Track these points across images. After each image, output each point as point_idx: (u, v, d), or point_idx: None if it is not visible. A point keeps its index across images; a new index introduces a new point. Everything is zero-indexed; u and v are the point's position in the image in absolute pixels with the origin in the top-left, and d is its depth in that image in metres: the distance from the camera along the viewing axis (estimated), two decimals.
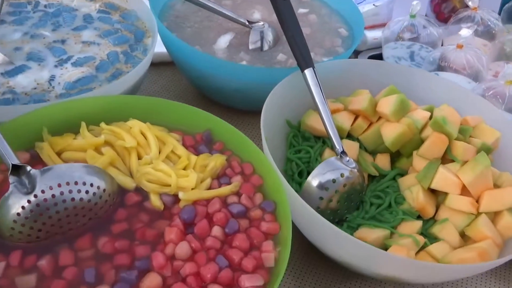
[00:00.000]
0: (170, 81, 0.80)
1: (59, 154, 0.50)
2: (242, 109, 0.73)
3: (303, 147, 0.60)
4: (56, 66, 0.62)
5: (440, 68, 0.79)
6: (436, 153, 0.57)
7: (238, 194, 0.49)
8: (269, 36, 0.73)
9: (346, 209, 0.55)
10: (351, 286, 0.56)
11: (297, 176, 0.58)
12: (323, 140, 0.61)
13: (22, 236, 0.42)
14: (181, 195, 0.47)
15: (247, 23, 0.73)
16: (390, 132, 0.59)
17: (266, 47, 0.72)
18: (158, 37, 0.66)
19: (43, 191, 0.43)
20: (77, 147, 0.51)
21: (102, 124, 0.53)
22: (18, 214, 0.42)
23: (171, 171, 0.47)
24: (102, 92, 0.57)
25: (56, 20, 0.70)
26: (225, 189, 0.48)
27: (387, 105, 0.59)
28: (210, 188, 0.49)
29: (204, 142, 0.54)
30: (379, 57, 0.87)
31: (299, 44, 0.61)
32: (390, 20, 0.91)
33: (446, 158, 0.57)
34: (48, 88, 0.59)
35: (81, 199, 0.44)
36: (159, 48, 0.70)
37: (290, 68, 0.64)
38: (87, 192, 0.45)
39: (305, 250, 0.58)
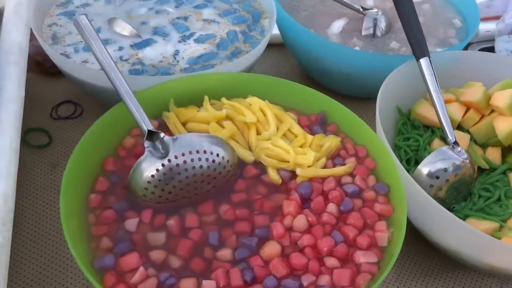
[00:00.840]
0: (278, 61, 0.83)
1: (183, 124, 0.54)
2: (348, 94, 0.74)
3: (412, 135, 0.60)
4: (179, 41, 0.66)
5: None
6: None
7: (352, 175, 0.50)
8: (382, 23, 0.73)
9: (454, 199, 0.56)
10: (452, 276, 0.56)
11: (405, 163, 0.59)
12: (432, 130, 0.61)
13: (153, 197, 0.46)
14: (299, 171, 0.49)
15: (361, 10, 0.74)
16: (504, 126, 0.58)
17: (378, 34, 0.72)
18: None
19: (176, 157, 0.46)
20: (201, 119, 0.54)
21: (223, 99, 0.56)
22: (152, 176, 0.46)
23: (290, 148, 0.50)
24: (222, 69, 0.60)
25: None
26: (339, 169, 0.50)
27: (502, 98, 0.59)
28: (325, 167, 0.51)
29: (318, 123, 0.56)
30: (491, 50, 0.85)
31: (415, 33, 0.61)
32: (505, 12, 0.89)
33: None
34: (173, 62, 0.63)
35: (207, 167, 0.47)
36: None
37: (404, 55, 0.65)
38: (213, 161, 0.48)
39: (407, 235, 0.58)
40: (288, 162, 0.50)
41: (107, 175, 0.49)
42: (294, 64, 0.82)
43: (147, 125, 0.48)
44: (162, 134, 0.48)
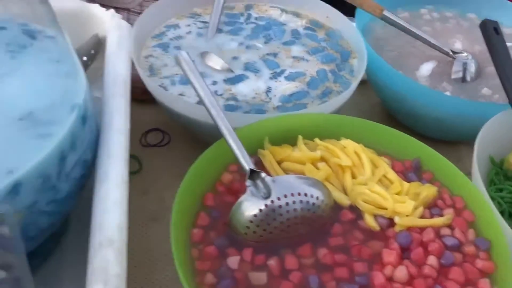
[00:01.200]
0: (359, 98, 0.83)
1: (278, 162, 0.55)
2: (433, 136, 0.73)
3: (506, 187, 0.59)
4: (271, 78, 0.67)
5: None
6: None
7: (450, 227, 0.50)
8: (472, 68, 0.73)
9: None
10: None
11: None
12: None
13: (254, 236, 0.47)
14: (397, 219, 0.49)
15: (450, 53, 0.74)
16: None
17: (468, 79, 0.72)
18: None
19: (278, 198, 0.47)
20: (295, 159, 0.55)
21: (317, 140, 0.57)
22: (255, 215, 0.47)
23: (388, 195, 0.50)
24: (314, 109, 0.61)
25: (267, 33, 0.76)
26: (438, 220, 0.50)
27: None
28: (422, 217, 0.51)
29: (413, 170, 0.56)
30: None
31: (511, 79, 0.61)
32: None
33: None
34: (266, 99, 0.64)
35: (306, 209, 0.48)
36: None
37: (498, 104, 0.64)
38: (312, 203, 0.48)
39: None
40: (386, 209, 0.50)
41: (207, 210, 0.50)
42: (375, 102, 0.82)
43: (248, 164, 0.49)
44: (263, 174, 0.49)
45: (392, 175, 0.53)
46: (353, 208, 0.51)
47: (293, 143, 0.57)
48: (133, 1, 1.02)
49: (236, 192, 0.52)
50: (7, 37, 0.49)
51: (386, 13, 0.73)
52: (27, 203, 0.40)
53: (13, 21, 0.54)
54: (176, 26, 0.75)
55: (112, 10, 0.66)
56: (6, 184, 0.37)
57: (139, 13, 1.01)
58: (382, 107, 0.81)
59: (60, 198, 0.44)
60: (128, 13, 1.04)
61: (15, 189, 0.38)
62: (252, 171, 0.49)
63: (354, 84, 0.63)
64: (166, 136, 0.74)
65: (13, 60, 0.47)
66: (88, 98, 0.49)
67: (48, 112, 0.43)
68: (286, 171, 0.54)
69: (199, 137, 0.67)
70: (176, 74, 0.66)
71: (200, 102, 0.60)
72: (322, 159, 0.55)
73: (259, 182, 0.49)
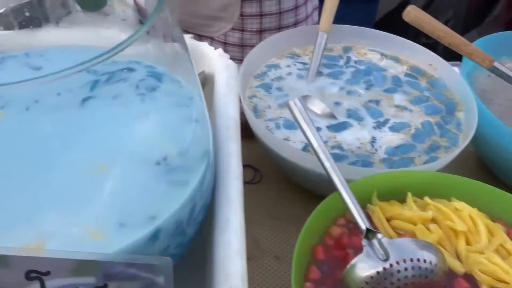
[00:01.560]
0: None
1: (387, 219, 0.54)
2: None
3: None
4: (374, 127, 0.66)
5: None
6: None
7: None
8: None
9: None
10: None
11: None
12: None
13: None
14: None
15: None
16: None
17: None
18: None
19: (397, 262, 0.46)
20: (406, 218, 0.54)
21: (427, 199, 0.55)
22: (372, 277, 0.46)
23: (509, 268, 0.48)
24: (422, 166, 0.59)
25: (368, 79, 0.75)
26: None
27: None
28: None
29: None
30: None
31: None
32: None
33: None
34: (371, 149, 0.63)
35: (420, 274, 0.47)
36: None
37: None
38: (426, 268, 0.47)
39: None
40: (507, 283, 0.48)
41: (318, 264, 0.49)
42: (470, 154, 0.80)
43: (365, 223, 0.48)
44: (380, 235, 0.48)
45: (510, 245, 0.51)
46: (468, 277, 0.49)
47: (400, 198, 0.56)
48: (218, 30, 1.04)
49: (345, 246, 0.51)
50: (136, 79, 0.51)
51: (496, 64, 0.71)
52: (161, 248, 0.40)
53: (140, 63, 0.55)
54: (276, 66, 0.76)
55: (220, 50, 0.67)
56: (149, 230, 0.38)
57: (224, 43, 1.03)
58: (477, 161, 0.79)
59: (185, 241, 0.45)
60: (212, 41, 1.06)
61: (155, 235, 0.39)
62: (368, 230, 0.48)
63: (464, 142, 0.62)
64: (257, 173, 0.74)
65: (144, 103, 0.48)
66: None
67: (182, 158, 0.44)
68: (396, 230, 0.53)
69: (296, 179, 0.67)
70: (280, 117, 0.67)
71: (306, 149, 0.60)
72: (434, 220, 0.54)
73: (375, 242, 0.48)
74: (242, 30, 1.03)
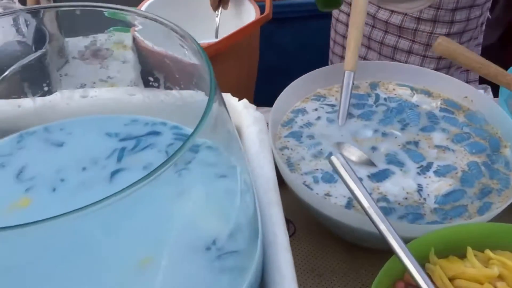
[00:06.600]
0: None
1: (449, 279, 0.49)
2: None
3: None
4: (418, 173, 0.62)
5: None
6: None
7: None
8: None
9: None
10: None
11: None
12: None
13: None
14: None
15: None
16: None
17: None
18: None
19: None
20: (470, 277, 0.49)
21: (488, 252, 0.51)
22: None
23: None
24: (480, 219, 0.55)
25: (402, 118, 0.71)
26: None
27: None
28: None
29: None
30: None
31: None
32: None
33: None
34: (419, 199, 0.59)
35: None
36: None
37: None
38: None
39: None
40: None
41: None
42: None
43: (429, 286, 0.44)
44: None
45: None
46: None
47: (458, 253, 0.51)
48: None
49: None
50: (163, 144, 0.47)
51: None
52: None
53: (166, 124, 0.52)
54: (303, 111, 0.72)
55: (245, 100, 0.63)
56: None
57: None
58: None
59: None
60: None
61: None
62: None
63: None
64: (290, 225, 0.70)
65: (181, 178, 0.43)
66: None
67: (233, 240, 0.39)
68: None
69: (338, 234, 0.62)
70: (316, 169, 0.62)
71: (351, 204, 0.56)
72: (500, 277, 0.49)
73: None
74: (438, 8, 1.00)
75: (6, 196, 0.43)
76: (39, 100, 0.53)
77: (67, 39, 0.73)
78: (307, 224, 0.69)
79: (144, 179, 0.28)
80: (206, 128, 0.34)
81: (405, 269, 0.46)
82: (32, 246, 0.29)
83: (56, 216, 0.26)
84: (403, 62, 1.05)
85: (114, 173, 0.45)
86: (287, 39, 1.56)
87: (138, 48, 0.55)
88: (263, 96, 0.85)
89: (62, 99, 0.54)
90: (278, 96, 0.69)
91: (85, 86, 0.56)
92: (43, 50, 0.53)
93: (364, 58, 1.12)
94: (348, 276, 0.64)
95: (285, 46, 1.56)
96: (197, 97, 0.49)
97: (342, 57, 1.16)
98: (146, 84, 0.54)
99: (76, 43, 0.72)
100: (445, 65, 1.07)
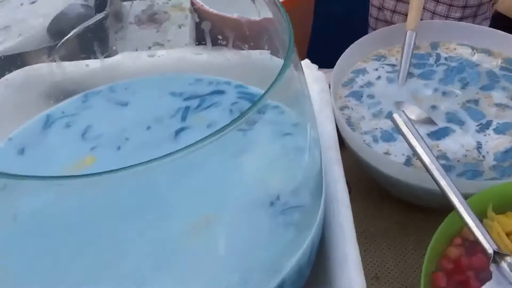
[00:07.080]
0: None
1: (507, 235, 0.51)
2: None
3: None
4: (478, 131, 0.63)
5: None
6: None
7: None
8: None
9: None
10: None
11: None
12: None
13: None
14: None
15: None
16: None
17: None
18: None
19: None
20: None
21: None
22: None
23: None
24: None
25: (462, 77, 0.71)
26: None
27: None
28: None
29: None
30: None
31: None
32: None
33: None
34: (478, 157, 0.60)
35: None
36: None
37: None
38: None
39: None
40: None
41: None
42: None
43: (492, 245, 0.46)
44: (510, 258, 0.45)
45: None
46: None
47: None
48: None
49: (465, 269, 0.49)
50: (228, 103, 0.48)
51: None
52: None
53: (231, 83, 0.53)
54: (364, 71, 0.73)
55: (306, 60, 0.65)
56: (274, 285, 0.36)
57: None
58: None
59: (302, 283, 0.43)
60: None
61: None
62: (496, 253, 0.45)
63: None
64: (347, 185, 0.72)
65: (245, 137, 0.45)
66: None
67: (296, 196, 0.41)
68: None
69: (394, 193, 0.64)
70: (376, 128, 0.64)
71: (409, 161, 0.58)
72: None
73: (504, 266, 0.45)
74: None
75: (72, 154, 0.44)
76: (106, 60, 0.53)
77: (124, 3, 0.73)
78: (362, 185, 0.71)
79: (210, 137, 0.28)
80: (278, 88, 0.34)
81: (464, 223, 0.47)
82: (99, 196, 0.30)
83: (123, 167, 0.27)
84: (431, 11, 1.06)
85: (178, 132, 0.46)
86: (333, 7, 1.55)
87: (196, 9, 0.56)
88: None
89: (128, 58, 0.55)
90: (328, 60, 0.71)
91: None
92: (105, 12, 0.54)
93: (394, 11, 1.13)
94: (397, 236, 0.65)
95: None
96: (262, 55, 0.51)
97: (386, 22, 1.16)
98: (215, 43, 0.53)
99: (133, 7, 0.74)
100: (470, 13, 1.07)
